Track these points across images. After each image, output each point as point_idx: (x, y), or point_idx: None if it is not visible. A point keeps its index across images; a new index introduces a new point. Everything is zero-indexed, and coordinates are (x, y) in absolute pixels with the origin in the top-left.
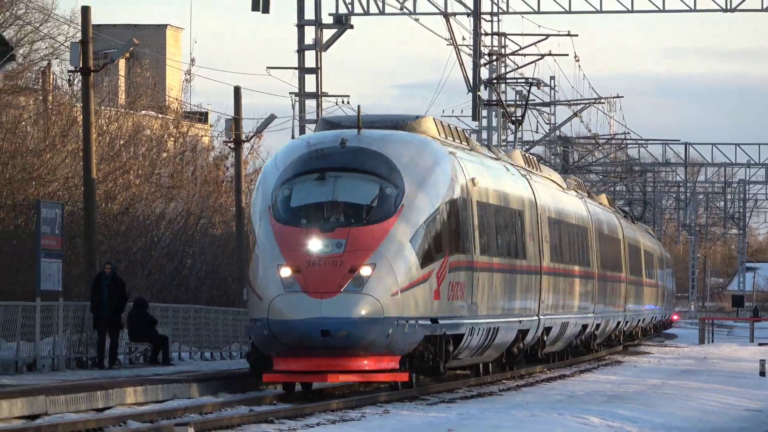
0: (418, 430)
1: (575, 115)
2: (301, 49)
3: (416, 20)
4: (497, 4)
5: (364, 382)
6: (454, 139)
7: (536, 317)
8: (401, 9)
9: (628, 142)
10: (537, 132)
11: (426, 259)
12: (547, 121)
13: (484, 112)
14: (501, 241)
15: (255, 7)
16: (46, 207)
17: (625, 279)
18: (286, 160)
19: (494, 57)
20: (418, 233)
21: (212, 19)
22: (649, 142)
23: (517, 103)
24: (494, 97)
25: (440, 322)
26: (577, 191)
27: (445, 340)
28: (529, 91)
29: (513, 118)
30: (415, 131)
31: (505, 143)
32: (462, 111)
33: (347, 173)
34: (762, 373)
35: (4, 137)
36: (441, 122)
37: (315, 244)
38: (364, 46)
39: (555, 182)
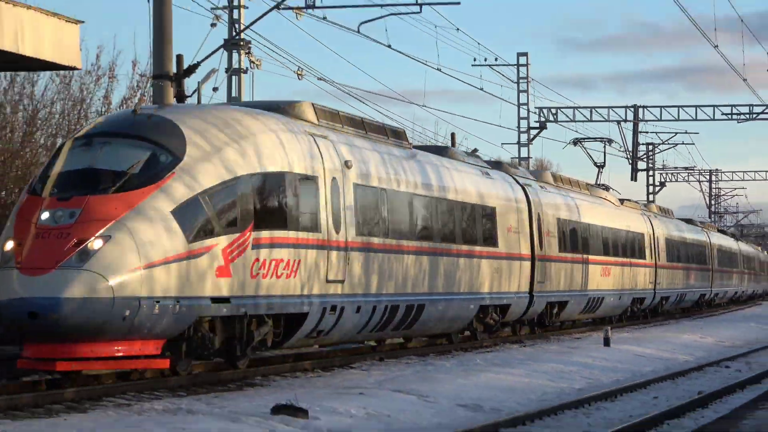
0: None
1: None
2: None
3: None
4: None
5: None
6: (342, 126)
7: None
8: None
9: None
10: None
11: (203, 232)
12: None
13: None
14: (393, 223)
15: None
16: None
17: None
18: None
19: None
20: (191, 204)
21: None
22: None
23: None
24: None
25: (234, 302)
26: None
27: (246, 322)
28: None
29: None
30: (287, 114)
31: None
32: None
33: (119, 139)
34: None
35: None
36: (331, 111)
37: (45, 214)
38: None
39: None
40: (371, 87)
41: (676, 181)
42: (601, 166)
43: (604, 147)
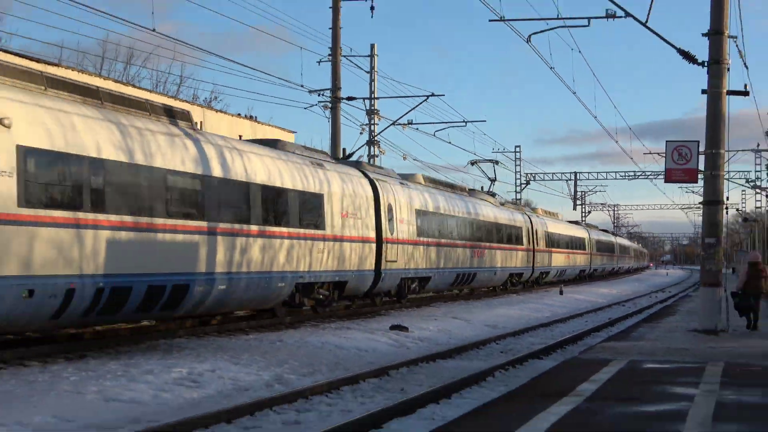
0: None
1: None
2: None
3: None
4: None
5: None
6: (44, 88)
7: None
8: None
9: None
10: None
11: None
12: None
13: None
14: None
15: None
16: None
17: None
18: None
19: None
20: None
21: None
22: None
23: None
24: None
25: None
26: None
27: None
28: None
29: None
30: None
31: None
32: None
33: None
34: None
35: None
36: (25, 69)
37: None
38: None
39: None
40: (441, 163)
41: (596, 210)
42: (493, 180)
43: (494, 166)
